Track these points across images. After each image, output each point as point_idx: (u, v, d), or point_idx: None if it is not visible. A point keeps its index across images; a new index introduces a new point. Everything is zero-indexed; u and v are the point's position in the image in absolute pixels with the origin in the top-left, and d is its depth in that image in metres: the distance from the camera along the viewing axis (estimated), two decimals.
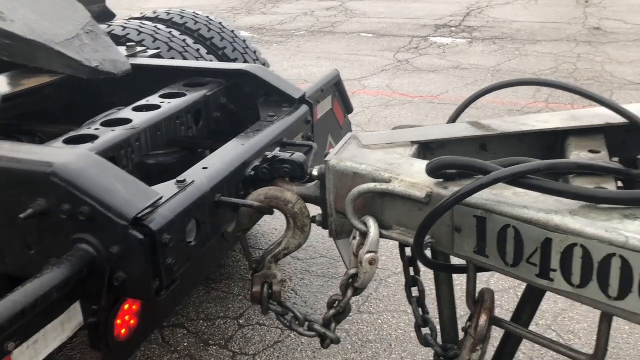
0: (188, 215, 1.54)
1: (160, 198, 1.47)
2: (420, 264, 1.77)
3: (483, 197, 1.32)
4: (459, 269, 1.55)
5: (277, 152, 1.85)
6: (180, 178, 1.62)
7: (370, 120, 5.49)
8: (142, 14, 3.41)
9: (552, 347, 1.45)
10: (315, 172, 1.70)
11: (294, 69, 7.23)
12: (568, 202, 1.26)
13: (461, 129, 1.83)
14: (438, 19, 9.55)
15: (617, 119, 1.66)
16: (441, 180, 1.43)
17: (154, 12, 3.33)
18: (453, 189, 1.38)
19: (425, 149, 1.80)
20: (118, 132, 1.85)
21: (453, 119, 1.96)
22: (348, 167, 1.60)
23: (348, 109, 3.06)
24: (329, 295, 3.17)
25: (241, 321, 2.91)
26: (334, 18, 10.15)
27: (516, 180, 1.26)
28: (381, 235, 1.54)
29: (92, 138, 1.80)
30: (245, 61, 3.20)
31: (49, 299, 1.29)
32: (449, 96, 6.02)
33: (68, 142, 1.79)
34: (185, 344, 2.76)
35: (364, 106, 5.83)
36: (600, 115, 1.75)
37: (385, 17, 9.99)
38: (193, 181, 1.62)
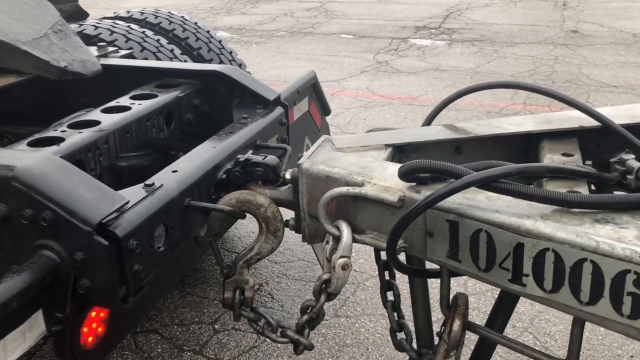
0: (156, 219, 1.50)
1: (127, 203, 1.43)
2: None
3: (455, 201, 1.31)
4: (433, 274, 1.53)
5: (249, 154, 1.81)
6: (148, 182, 1.58)
7: (350, 121, 5.48)
8: (115, 13, 3.35)
9: (525, 351, 1.44)
10: (287, 176, 1.67)
11: (274, 69, 7.19)
12: (540, 206, 1.25)
13: (435, 132, 1.81)
14: (418, 21, 9.58)
15: (591, 122, 1.66)
16: (414, 184, 1.41)
17: (128, 12, 3.27)
18: (425, 192, 1.36)
19: (400, 152, 1.79)
20: (85, 135, 1.80)
21: (428, 121, 1.95)
22: (321, 171, 1.57)
23: (325, 110, 3.03)
24: (305, 299, 3.15)
25: (216, 326, 2.87)
26: (314, 19, 10.13)
27: (488, 184, 1.25)
28: (354, 240, 1.51)
29: (58, 140, 1.75)
30: (221, 62, 3.16)
31: (8, 308, 1.24)
32: (428, 98, 6.03)
33: (33, 144, 1.74)
34: (159, 350, 2.71)
35: (343, 107, 5.81)
36: (574, 118, 1.75)
37: (365, 18, 9.99)
38: (162, 185, 1.58)
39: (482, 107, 5.62)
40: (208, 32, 3.27)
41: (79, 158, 1.72)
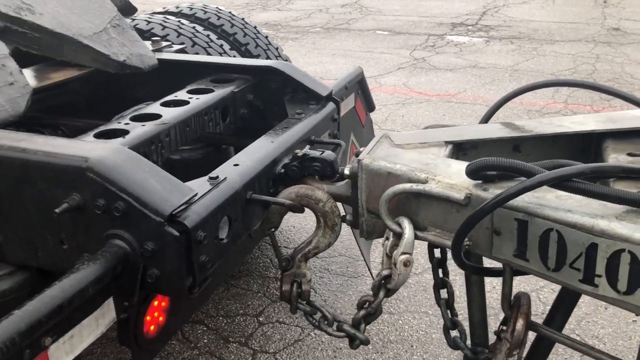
0: (221, 212, 1.53)
1: (195, 195, 1.46)
2: (449, 266, 1.77)
3: (525, 199, 1.30)
4: (496, 272, 1.53)
5: (307, 149, 1.83)
6: (212, 174, 1.61)
7: (387, 118, 5.46)
8: (164, 8, 3.40)
9: (592, 354, 1.42)
10: (346, 171, 1.68)
11: (310, 65, 7.20)
12: (612, 206, 1.23)
13: (495, 130, 1.80)
14: (454, 18, 9.49)
15: None
16: (480, 181, 1.41)
17: (177, 7, 3.32)
18: (493, 191, 1.36)
19: (457, 149, 1.78)
20: (148, 127, 1.84)
21: (485, 119, 1.94)
22: (382, 167, 1.58)
23: (370, 107, 3.04)
24: (348, 294, 3.17)
25: (261, 318, 2.90)
26: (349, 15, 10.11)
27: (561, 183, 1.24)
28: (416, 237, 1.52)
29: (122, 133, 1.79)
30: (268, 57, 3.18)
31: (85, 295, 1.28)
32: (467, 95, 5.98)
33: (99, 136, 1.78)
34: (205, 341, 2.76)
35: (380, 104, 5.79)
36: (639, 118, 1.72)
37: (401, 14, 9.93)
38: (225, 178, 1.60)
39: (522, 106, 5.55)
40: (255, 27, 3.30)
41: (142, 150, 1.76)
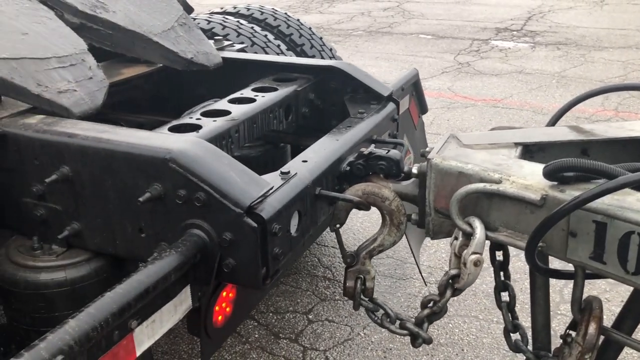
0: (293, 206, 1.56)
1: (271, 188, 1.49)
2: (510, 269, 1.76)
3: (604, 202, 1.30)
4: (568, 275, 1.52)
5: (372, 148, 1.85)
6: (284, 169, 1.64)
7: (432, 122, 5.45)
8: (222, 8, 3.46)
9: None
10: (414, 170, 1.69)
11: None
12: None
13: (564, 133, 1.79)
14: (498, 23, 9.39)
15: None
16: (556, 183, 1.40)
17: (234, 7, 3.39)
18: (571, 192, 1.36)
19: (524, 151, 1.78)
20: (219, 123, 1.89)
21: (553, 122, 1.93)
22: (452, 166, 1.59)
23: (423, 109, 3.04)
24: (397, 296, 3.17)
25: (310, 316, 2.93)
26: (391, 19, 10.11)
27: None
28: (487, 237, 1.52)
29: (195, 127, 1.84)
30: (322, 58, 3.21)
31: (168, 281, 1.33)
32: (513, 101, 5.91)
33: (173, 130, 1.83)
34: (256, 336, 2.80)
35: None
36: None
37: (444, 18, 9.88)
38: (296, 173, 1.64)
39: (571, 113, 5.42)
40: (310, 28, 3.34)
41: (214, 145, 1.80)
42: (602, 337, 1.57)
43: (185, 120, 1.92)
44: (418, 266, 2.90)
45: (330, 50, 3.34)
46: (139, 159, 1.48)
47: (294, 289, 3.13)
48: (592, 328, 1.45)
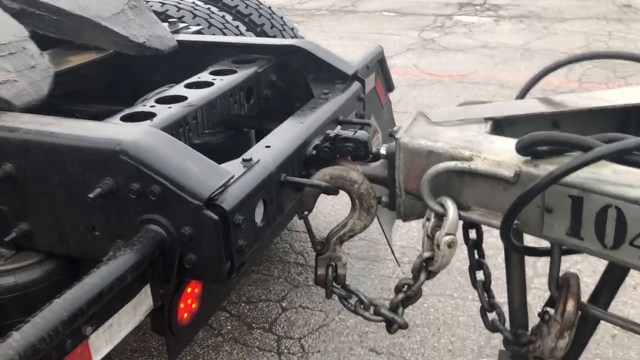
0: (256, 195, 1.48)
1: (232, 177, 1.41)
2: (484, 247, 1.72)
3: (580, 175, 1.24)
4: (544, 252, 1.48)
5: (338, 130, 1.77)
6: (245, 156, 1.55)
7: (400, 100, 5.39)
8: None
9: (633, 327, 1.38)
10: (383, 151, 1.62)
11: None
12: None
13: (535, 105, 1.74)
14: None
15: None
16: (529, 158, 1.35)
17: None
18: (545, 167, 1.30)
19: (495, 126, 1.72)
20: (175, 110, 1.78)
21: (522, 95, 1.87)
22: (422, 145, 1.52)
23: (389, 87, 2.97)
24: (370, 278, 3.13)
25: (284, 304, 2.86)
26: None
27: (622, 156, 1.18)
28: (460, 217, 1.46)
29: (149, 115, 1.73)
30: (284, 38, 3.11)
31: (124, 282, 1.24)
32: (480, 75, 5.89)
33: (125, 119, 1.72)
34: (229, 327, 2.72)
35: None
36: None
37: None
38: (259, 160, 1.55)
39: (537, 85, 5.45)
40: (270, 8, 3.23)
41: (170, 133, 1.70)
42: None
43: (139, 108, 1.81)
44: (391, 247, 2.86)
45: (292, 29, 3.24)
46: (87, 152, 1.38)
47: (266, 277, 3.06)
48: (570, 305, 1.41)
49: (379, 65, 2.75)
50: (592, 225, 1.25)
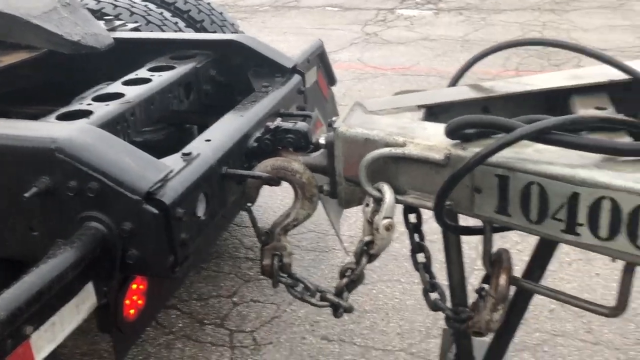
0: (197, 188, 1.49)
1: (171, 171, 1.41)
2: (424, 231, 1.78)
3: (504, 155, 1.31)
4: (476, 231, 1.55)
5: (279, 122, 1.80)
6: (185, 150, 1.56)
7: (345, 94, 5.45)
8: None
9: (572, 302, 1.47)
10: (322, 141, 1.66)
11: None
12: (590, 155, 1.26)
13: (465, 92, 1.81)
14: None
15: (620, 76, 1.67)
16: (458, 141, 1.41)
17: None
18: (472, 149, 1.36)
19: (429, 113, 1.79)
20: (113, 107, 1.77)
21: (453, 83, 1.94)
22: (359, 134, 1.56)
23: (331, 80, 3.02)
24: (320, 269, 3.17)
25: (235, 299, 2.87)
26: None
27: (541, 136, 1.26)
28: (396, 201, 1.52)
29: (86, 113, 1.71)
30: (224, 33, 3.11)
31: (64, 280, 1.23)
32: (421, 67, 6.02)
33: (61, 118, 1.70)
34: (180, 325, 2.72)
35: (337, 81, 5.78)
36: (603, 74, 1.76)
37: None
38: (199, 154, 1.56)
39: (475, 75, 5.62)
40: (209, 4, 3.22)
41: (109, 131, 1.69)
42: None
43: (75, 106, 1.78)
44: (339, 237, 2.91)
45: (233, 25, 3.24)
46: (21, 152, 1.36)
47: (216, 274, 3.06)
48: (502, 279, 1.49)
49: (319, 59, 2.79)
50: (518, 202, 1.32)
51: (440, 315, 1.77)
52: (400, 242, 3.13)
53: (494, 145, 1.26)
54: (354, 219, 3.46)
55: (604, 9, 7.71)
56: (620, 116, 1.42)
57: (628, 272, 1.33)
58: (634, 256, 1.21)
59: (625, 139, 1.38)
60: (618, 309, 1.38)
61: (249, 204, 1.71)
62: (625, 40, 6.42)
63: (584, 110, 1.64)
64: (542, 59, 5.89)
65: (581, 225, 1.24)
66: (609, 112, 1.59)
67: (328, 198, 1.90)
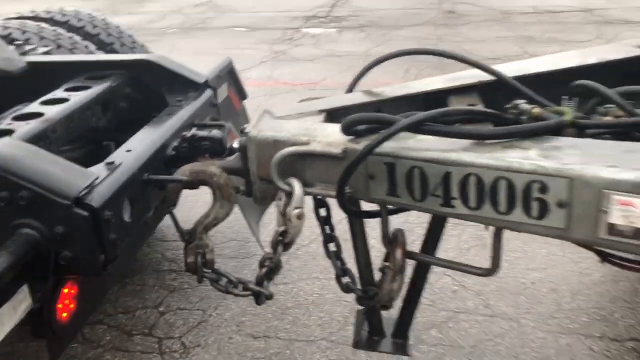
0: (122, 193, 1.63)
1: (97, 178, 1.54)
2: (334, 223, 1.99)
3: (391, 145, 1.55)
4: (374, 214, 1.78)
5: (195, 131, 1.96)
6: (108, 160, 1.69)
7: (258, 108, 5.58)
8: (18, 13, 3.30)
9: (453, 267, 1.73)
10: (235, 145, 1.84)
11: None
12: (460, 141, 1.52)
13: (360, 96, 2.06)
14: (307, 11, 9.86)
15: (488, 77, 1.98)
16: (353, 137, 1.64)
17: (32, 12, 3.24)
18: (364, 143, 1.60)
19: (331, 117, 2.01)
20: (33, 125, 1.86)
21: (350, 89, 2.19)
22: (268, 136, 1.76)
23: (242, 95, 3.21)
24: (243, 274, 3.31)
25: (161, 309, 2.96)
26: (204, 14, 10.14)
27: (418, 127, 1.50)
28: (305, 193, 1.72)
29: (8, 132, 1.80)
30: None
31: (0, 282, 1.33)
32: (328, 82, 6.33)
33: None
34: (108, 338, 2.77)
35: (250, 97, 5.94)
36: (474, 76, 2.06)
37: (256, 11, 10.14)
38: (122, 162, 1.70)
39: (378, 84, 5.98)
40: (117, 27, 3.33)
41: None
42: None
43: None
44: (259, 242, 3.07)
45: (142, 47, 3.36)
46: None
47: (141, 287, 3.14)
48: (398, 254, 1.72)
49: (229, 75, 2.98)
50: (404, 184, 1.56)
51: (358, 306, 2.00)
52: (317, 242, 3.35)
53: (379, 137, 1.49)
54: (273, 224, 3.63)
55: (491, 22, 8.40)
56: (484, 109, 1.70)
57: (497, 236, 1.60)
58: (497, 221, 1.47)
59: (489, 127, 1.67)
60: (492, 270, 1.66)
61: (170, 207, 1.86)
62: (510, 49, 7.06)
63: (459, 107, 1.93)
64: (439, 70, 6.34)
65: (455, 198, 1.50)
66: (477, 107, 1.89)
67: (246, 204, 2.08)
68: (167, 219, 3.69)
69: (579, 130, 1.57)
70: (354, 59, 7.04)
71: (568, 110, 1.61)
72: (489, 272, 1.67)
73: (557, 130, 1.49)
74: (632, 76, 1.89)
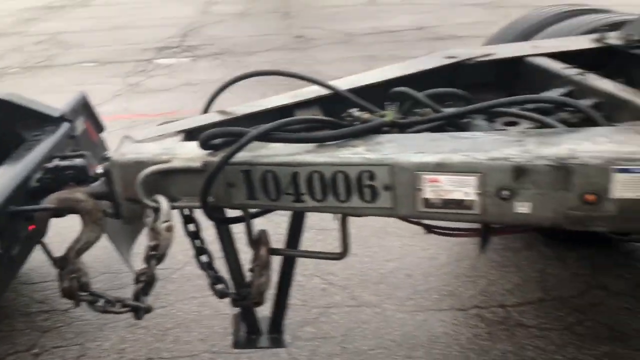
0: None
1: None
2: (204, 236, 2.14)
3: (245, 155, 1.76)
4: (238, 219, 1.97)
5: (57, 161, 2.03)
6: None
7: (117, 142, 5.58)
8: None
9: (309, 255, 1.98)
10: (99, 170, 1.94)
11: None
12: (304, 146, 1.77)
13: (212, 117, 2.26)
14: (158, 42, 9.86)
15: (327, 91, 2.28)
16: (211, 151, 1.83)
17: None
18: (221, 155, 1.79)
19: (189, 137, 2.18)
20: None
21: (204, 111, 2.38)
22: (131, 158, 1.89)
23: (99, 128, 3.26)
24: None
25: (35, 350, 2.90)
26: (48, 51, 9.75)
27: (266, 136, 1.73)
28: (172, 207, 1.87)
29: None
30: None
31: None
32: (186, 110, 6.41)
33: None
34: None
35: (107, 131, 5.87)
36: (315, 92, 2.35)
37: (104, 45, 9.94)
38: None
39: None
40: None
41: None
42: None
43: None
44: (131, 269, 3.11)
45: None
46: None
47: (10, 332, 3.03)
48: (262, 251, 1.93)
49: (84, 108, 3.03)
50: (260, 187, 1.78)
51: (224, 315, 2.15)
52: (191, 265, 3.44)
53: (234, 148, 1.70)
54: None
55: (337, 44, 9.01)
56: (320, 117, 1.98)
57: (343, 223, 1.87)
58: (340, 209, 1.74)
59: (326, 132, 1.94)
60: (343, 254, 1.92)
61: (40, 237, 1.91)
62: (357, 68, 7.61)
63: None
64: (281, 88, 6.73)
65: (304, 194, 1.74)
66: (317, 116, 2.17)
67: (115, 233, 2.16)
68: (30, 261, 3.60)
69: (400, 128, 1.90)
70: (210, 86, 7.11)
71: (390, 113, 1.93)
72: (341, 255, 1.93)
73: (379, 129, 1.80)
74: (441, 81, 2.29)
